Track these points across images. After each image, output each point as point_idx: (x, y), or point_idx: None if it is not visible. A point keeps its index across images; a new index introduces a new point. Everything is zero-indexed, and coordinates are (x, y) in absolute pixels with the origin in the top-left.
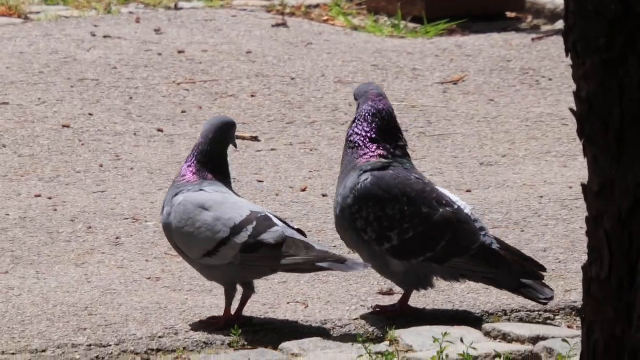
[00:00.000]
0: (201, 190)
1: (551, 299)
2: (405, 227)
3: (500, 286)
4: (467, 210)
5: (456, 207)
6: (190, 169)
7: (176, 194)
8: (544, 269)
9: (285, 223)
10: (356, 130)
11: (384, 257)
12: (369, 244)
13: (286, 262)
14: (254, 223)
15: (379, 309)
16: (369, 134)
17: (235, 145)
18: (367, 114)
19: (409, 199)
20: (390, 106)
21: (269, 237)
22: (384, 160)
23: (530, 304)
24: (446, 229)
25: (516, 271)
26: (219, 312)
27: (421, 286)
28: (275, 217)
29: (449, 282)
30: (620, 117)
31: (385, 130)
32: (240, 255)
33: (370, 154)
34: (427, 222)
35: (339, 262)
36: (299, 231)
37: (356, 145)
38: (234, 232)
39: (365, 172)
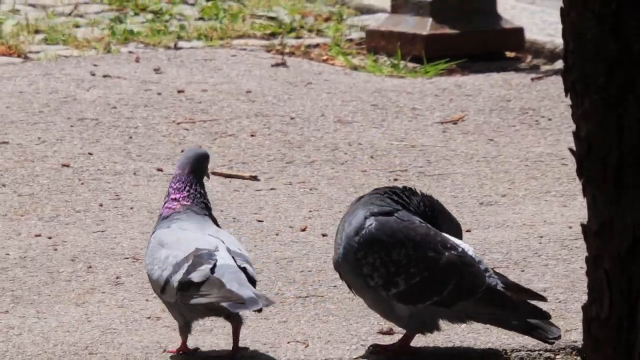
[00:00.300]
0: (169, 226)
1: (558, 337)
2: (412, 272)
3: (509, 327)
4: (471, 252)
5: (460, 249)
6: (167, 204)
7: (153, 233)
8: (545, 299)
9: (234, 259)
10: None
11: (389, 301)
12: (374, 289)
13: (203, 300)
14: (190, 261)
15: (378, 348)
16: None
17: (208, 177)
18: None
19: (414, 243)
20: None
21: (196, 275)
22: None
23: (531, 344)
24: (452, 272)
25: (523, 311)
26: (219, 351)
27: (427, 329)
28: (231, 251)
29: (454, 324)
30: (618, 157)
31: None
32: (179, 293)
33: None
34: (433, 266)
35: (238, 303)
36: (244, 270)
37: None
38: (175, 270)
39: (370, 216)
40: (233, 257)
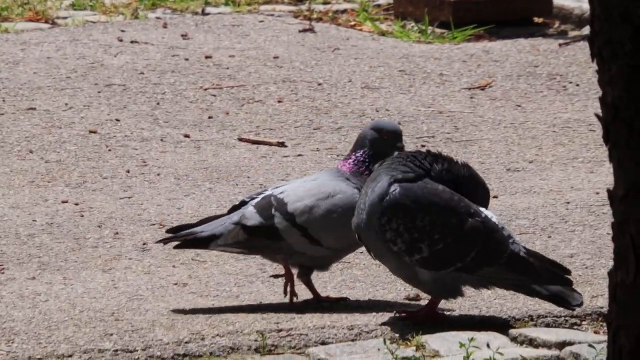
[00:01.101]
0: None
1: (581, 304)
2: (436, 238)
3: (530, 293)
4: (494, 219)
5: (483, 215)
6: None
7: None
8: (569, 272)
9: (269, 200)
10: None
11: (412, 267)
12: (397, 254)
13: None
14: None
15: (404, 314)
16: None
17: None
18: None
19: (438, 209)
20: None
21: None
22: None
23: (557, 310)
24: (476, 238)
25: (545, 277)
26: (245, 317)
27: (450, 295)
28: (272, 195)
29: (477, 289)
30: None
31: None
32: None
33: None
34: (456, 232)
35: None
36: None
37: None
38: None
39: (394, 182)
40: (269, 198)
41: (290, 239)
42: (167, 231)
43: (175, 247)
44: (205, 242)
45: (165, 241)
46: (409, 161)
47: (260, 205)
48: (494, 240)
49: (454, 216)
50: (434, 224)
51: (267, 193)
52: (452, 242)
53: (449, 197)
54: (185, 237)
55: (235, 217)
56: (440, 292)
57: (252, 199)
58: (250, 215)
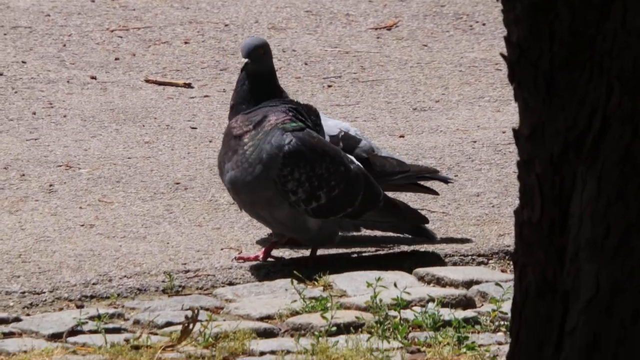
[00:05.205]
0: None
1: (439, 240)
2: (332, 185)
3: (401, 232)
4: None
5: (357, 163)
6: None
7: None
8: (426, 219)
9: None
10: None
11: (303, 216)
12: (293, 204)
13: None
14: None
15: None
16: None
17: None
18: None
19: (330, 157)
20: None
21: None
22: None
23: (464, 248)
24: (360, 183)
25: (410, 217)
26: (152, 259)
27: (329, 242)
28: None
29: (351, 233)
30: (550, 61)
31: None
32: None
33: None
34: (346, 178)
35: None
36: None
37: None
38: None
39: (286, 132)
40: None
41: None
42: None
43: None
44: None
45: None
46: (289, 110)
47: None
48: (372, 185)
49: (341, 163)
50: (330, 171)
51: None
52: (344, 187)
53: (333, 146)
54: None
55: None
56: (322, 239)
57: None
58: None
